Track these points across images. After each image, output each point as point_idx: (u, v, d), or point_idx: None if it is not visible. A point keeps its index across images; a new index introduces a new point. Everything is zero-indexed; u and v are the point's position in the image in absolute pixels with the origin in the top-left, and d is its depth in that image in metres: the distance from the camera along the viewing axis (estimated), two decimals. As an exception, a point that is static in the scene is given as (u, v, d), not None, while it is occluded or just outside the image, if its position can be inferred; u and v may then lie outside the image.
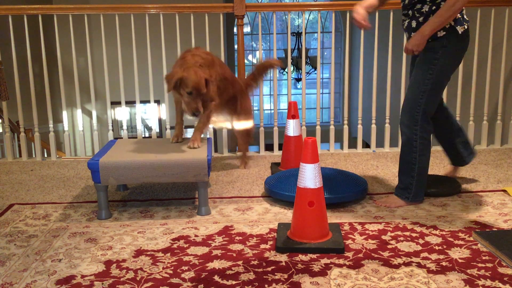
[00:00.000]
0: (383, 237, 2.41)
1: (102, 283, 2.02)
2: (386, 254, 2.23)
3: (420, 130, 2.73)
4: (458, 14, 2.63)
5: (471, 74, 4.20)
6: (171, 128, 4.36)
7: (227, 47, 9.95)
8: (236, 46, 4.30)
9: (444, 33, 2.62)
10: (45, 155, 5.99)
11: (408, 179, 2.81)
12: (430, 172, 3.53)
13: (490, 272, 2.04)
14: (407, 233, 2.45)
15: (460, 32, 2.64)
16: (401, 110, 2.81)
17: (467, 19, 2.69)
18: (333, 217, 2.68)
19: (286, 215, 2.74)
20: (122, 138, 3.87)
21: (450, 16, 2.54)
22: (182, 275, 2.07)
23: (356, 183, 2.96)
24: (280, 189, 2.90)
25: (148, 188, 3.26)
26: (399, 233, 2.46)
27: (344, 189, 2.86)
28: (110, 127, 4.36)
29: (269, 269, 2.11)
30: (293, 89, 11.60)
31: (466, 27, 2.66)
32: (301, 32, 8.27)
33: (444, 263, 2.13)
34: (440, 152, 4.10)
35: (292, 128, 3.51)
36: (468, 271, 2.06)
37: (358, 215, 2.73)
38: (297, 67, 10.53)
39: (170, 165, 2.68)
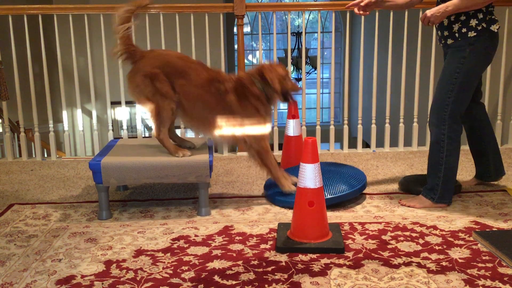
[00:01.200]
0: (383, 237, 2.41)
1: (102, 283, 2.02)
2: (386, 254, 2.23)
3: (448, 130, 2.70)
4: (490, 15, 2.65)
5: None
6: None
7: (227, 47, 9.95)
8: (236, 46, 4.30)
9: (475, 34, 2.63)
10: (45, 155, 5.99)
11: (435, 180, 2.78)
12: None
13: (490, 272, 2.04)
14: (407, 233, 2.45)
15: (495, 31, 2.66)
16: (430, 110, 2.81)
17: (496, 19, 2.70)
18: (333, 217, 2.68)
19: (286, 215, 2.74)
20: (122, 138, 3.87)
21: (476, 4, 2.57)
22: (182, 275, 2.07)
23: (356, 180, 2.95)
24: (279, 194, 2.89)
25: (148, 188, 3.26)
26: (399, 233, 2.46)
27: (344, 188, 2.85)
28: (110, 127, 4.35)
29: (269, 269, 2.11)
30: (293, 89, 11.58)
31: (498, 26, 2.68)
32: (301, 32, 8.27)
33: (444, 263, 2.13)
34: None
35: (292, 128, 3.51)
36: (468, 271, 2.06)
37: (358, 215, 2.73)
38: (297, 67, 10.52)
39: (172, 167, 2.68)
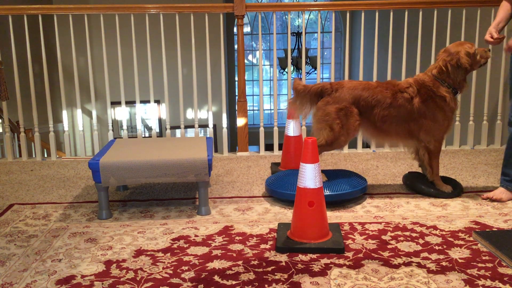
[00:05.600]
0: (383, 237, 2.41)
1: (102, 283, 2.02)
2: (386, 254, 2.23)
3: None
4: None
5: (471, 74, 4.20)
6: (171, 128, 4.37)
7: (227, 47, 9.95)
8: (236, 46, 4.30)
9: None
10: (45, 155, 5.99)
11: None
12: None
13: (490, 272, 2.04)
14: (407, 233, 2.45)
15: None
16: (511, 111, 2.86)
17: None
18: (333, 217, 2.68)
19: (286, 215, 2.74)
20: (122, 138, 3.87)
21: None
22: (182, 275, 2.07)
23: (357, 181, 2.96)
24: (280, 188, 2.90)
25: (148, 188, 3.26)
26: (399, 233, 2.46)
27: (345, 187, 2.86)
28: (110, 127, 4.36)
29: (269, 269, 2.11)
30: (293, 89, 11.58)
31: None
32: (301, 32, 8.27)
33: (444, 263, 2.13)
34: (440, 152, 4.10)
35: (292, 128, 3.51)
36: (468, 271, 2.06)
37: (358, 215, 2.73)
38: (297, 67, 10.52)
39: (171, 165, 2.68)
